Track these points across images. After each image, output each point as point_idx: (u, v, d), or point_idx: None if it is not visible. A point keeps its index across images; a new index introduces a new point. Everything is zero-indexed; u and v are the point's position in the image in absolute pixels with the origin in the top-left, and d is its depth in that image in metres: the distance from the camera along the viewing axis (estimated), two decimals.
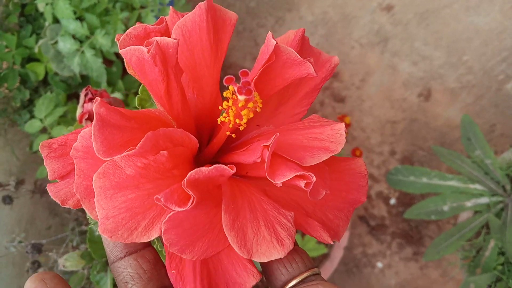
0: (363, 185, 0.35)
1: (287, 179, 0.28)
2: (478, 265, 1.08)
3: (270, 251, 0.28)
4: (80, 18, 1.05)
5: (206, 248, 0.29)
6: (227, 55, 1.75)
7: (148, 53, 0.27)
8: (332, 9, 1.72)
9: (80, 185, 0.28)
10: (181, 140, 0.30)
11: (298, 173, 0.28)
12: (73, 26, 1.01)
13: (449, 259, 1.46)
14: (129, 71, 0.31)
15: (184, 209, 0.25)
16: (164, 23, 0.30)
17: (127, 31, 0.30)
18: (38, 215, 1.26)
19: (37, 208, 1.25)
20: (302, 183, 0.28)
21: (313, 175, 0.27)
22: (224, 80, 0.30)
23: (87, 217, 0.46)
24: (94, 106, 0.26)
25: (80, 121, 0.54)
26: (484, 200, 1.11)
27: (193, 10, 0.32)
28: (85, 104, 0.53)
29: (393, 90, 1.64)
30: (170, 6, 0.36)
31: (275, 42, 0.29)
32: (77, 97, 1.23)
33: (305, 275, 0.32)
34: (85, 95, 0.54)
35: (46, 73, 1.15)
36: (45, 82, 1.21)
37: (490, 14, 1.59)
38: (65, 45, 1.02)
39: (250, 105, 0.30)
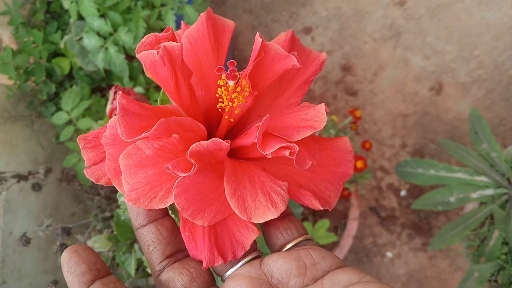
0: (349, 159, 0.40)
1: (274, 150, 0.33)
2: (482, 254, 1.11)
3: (266, 213, 0.33)
4: (103, 16, 1.10)
5: (215, 214, 0.34)
6: (243, 49, 1.79)
7: (157, 54, 0.33)
8: (346, 4, 1.75)
9: (110, 167, 0.34)
10: (191, 126, 0.35)
11: (283, 144, 0.33)
12: (97, 23, 1.07)
13: (457, 249, 1.49)
14: (147, 74, 0.37)
15: (188, 174, 0.31)
16: (170, 31, 0.36)
17: (142, 39, 0.36)
18: (63, 202, 1.33)
19: (62, 195, 1.31)
20: (287, 152, 0.33)
21: (296, 145, 0.33)
22: (215, 70, 0.36)
23: (119, 201, 0.52)
24: (117, 98, 0.32)
25: (110, 116, 0.59)
26: (489, 192, 1.14)
27: (197, 20, 0.38)
28: (114, 101, 0.59)
29: (405, 84, 1.67)
30: (182, 21, 0.42)
31: (261, 40, 0.35)
32: (100, 90, 1.28)
33: (298, 239, 0.37)
34: (114, 93, 0.59)
35: (71, 68, 1.21)
36: (70, 76, 1.27)
37: (502, 9, 1.60)
38: (90, 41, 1.07)
39: (238, 89, 0.35)
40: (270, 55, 0.36)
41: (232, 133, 0.42)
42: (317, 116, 0.35)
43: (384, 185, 1.62)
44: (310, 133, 0.35)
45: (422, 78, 1.65)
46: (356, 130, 1.50)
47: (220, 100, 0.37)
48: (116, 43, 1.08)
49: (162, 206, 0.33)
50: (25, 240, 0.89)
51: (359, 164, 1.08)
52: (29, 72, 1.16)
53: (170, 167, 0.31)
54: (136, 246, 0.78)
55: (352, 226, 1.30)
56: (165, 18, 1.08)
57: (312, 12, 1.77)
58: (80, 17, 1.13)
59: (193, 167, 0.31)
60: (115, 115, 0.60)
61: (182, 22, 0.43)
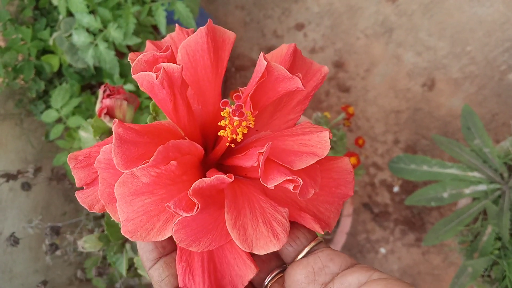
0: (350, 180, 0.39)
1: (277, 183, 0.32)
2: (475, 249, 1.12)
3: (268, 245, 0.32)
4: (93, 12, 1.09)
5: (210, 242, 0.33)
6: (235, 46, 1.78)
7: (156, 79, 0.32)
8: (338, 0, 1.74)
9: (103, 192, 0.33)
10: (188, 149, 0.34)
11: (287, 178, 0.32)
12: (87, 19, 1.05)
13: (450, 245, 1.50)
14: (141, 88, 0.36)
15: (190, 214, 0.30)
16: (170, 50, 0.34)
17: (138, 57, 0.34)
18: (54, 202, 1.31)
19: (52, 194, 1.30)
20: (291, 186, 0.32)
21: (300, 179, 0.32)
22: (221, 104, 0.35)
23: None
24: (113, 127, 0.31)
25: (99, 115, 0.58)
26: (482, 187, 1.15)
27: (196, 32, 0.36)
28: (103, 100, 0.58)
29: (397, 80, 1.67)
30: (176, 25, 0.41)
31: (266, 63, 0.33)
32: (90, 87, 1.27)
33: (310, 246, 0.37)
34: (104, 91, 0.58)
35: (61, 65, 1.19)
36: (59, 74, 1.25)
37: (494, 5, 1.61)
38: (79, 38, 1.06)
39: (244, 123, 0.35)
40: (274, 76, 0.35)
41: (228, 149, 0.41)
42: (321, 144, 0.34)
43: (377, 181, 1.62)
44: (313, 162, 0.33)
45: (414, 74, 1.65)
46: (349, 127, 1.50)
47: (222, 130, 0.36)
48: (106, 40, 1.06)
49: (160, 239, 0.32)
50: (14, 240, 0.88)
51: (352, 160, 1.07)
52: (18, 69, 1.14)
53: (172, 207, 0.30)
54: (127, 246, 0.77)
55: (346, 223, 1.30)
56: (155, 14, 1.07)
57: (304, 8, 1.76)
58: (69, 14, 1.11)
59: (196, 208, 0.30)
60: (105, 114, 0.59)
61: (176, 25, 0.41)
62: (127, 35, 1.05)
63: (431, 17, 1.66)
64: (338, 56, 1.72)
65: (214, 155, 0.39)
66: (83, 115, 1.08)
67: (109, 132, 0.64)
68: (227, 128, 0.35)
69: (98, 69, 1.20)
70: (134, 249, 0.77)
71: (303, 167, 0.33)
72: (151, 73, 0.32)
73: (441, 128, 1.61)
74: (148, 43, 0.40)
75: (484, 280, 1.13)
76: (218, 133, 0.36)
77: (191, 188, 0.30)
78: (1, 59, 1.09)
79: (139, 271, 0.74)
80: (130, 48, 1.17)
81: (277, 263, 0.39)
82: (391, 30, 1.69)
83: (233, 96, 0.35)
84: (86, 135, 0.66)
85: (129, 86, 1.10)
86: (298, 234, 0.38)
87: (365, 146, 1.62)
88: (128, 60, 0.35)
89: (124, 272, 0.76)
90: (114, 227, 0.73)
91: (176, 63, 0.33)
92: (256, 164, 0.33)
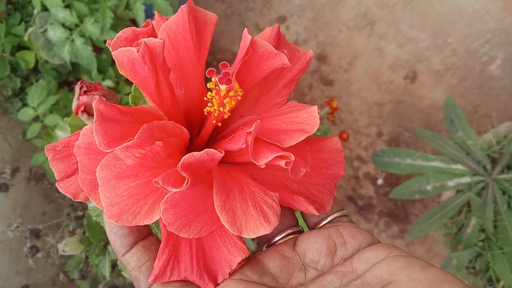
0: (341, 160, 0.38)
1: (268, 160, 0.31)
2: (460, 241, 1.13)
3: (258, 228, 0.31)
4: (68, 6, 1.05)
5: (201, 227, 0.32)
6: (217, 39, 1.76)
7: (137, 52, 0.30)
8: None
9: (84, 180, 0.31)
10: (174, 131, 0.32)
11: (278, 154, 0.31)
12: (62, 14, 1.02)
13: (434, 236, 1.51)
14: (121, 72, 0.34)
15: (180, 189, 0.28)
16: (151, 25, 0.33)
17: (117, 34, 0.32)
18: (34, 202, 1.28)
19: (32, 194, 1.27)
20: (282, 163, 0.31)
21: (291, 154, 0.30)
22: (206, 72, 0.33)
23: (89, 207, 0.49)
24: (93, 103, 0.29)
25: (76, 113, 0.56)
26: (466, 179, 1.15)
27: (176, 12, 0.35)
28: (80, 97, 0.55)
29: (380, 72, 1.67)
30: (156, 12, 0.39)
31: (250, 37, 0.32)
32: (68, 84, 1.24)
33: (334, 215, 0.38)
34: (80, 88, 0.56)
35: (37, 61, 1.15)
36: (35, 70, 1.22)
37: None
38: (55, 33, 1.03)
39: (231, 93, 0.33)
40: (259, 53, 0.33)
41: (213, 135, 0.39)
42: (310, 119, 0.33)
43: (361, 174, 1.62)
44: (303, 138, 0.32)
45: (396, 66, 1.66)
46: (333, 121, 1.50)
47: (209, 104, 0.34)
48: (82, 35, 1.03)
49: (148, 222, 0.30)
50: None
51: None
52: None
53: (160, 182, 0.28)
54: (109, 248, 0.75)
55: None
56: (133, 8, 1.04)
57: (286, 0, 1.74)
58: (44, 8, 1.08)
59: (186, 182, 0.28)
60: (82, 112, 0.57)
61: (156, 12, 0.39)
62: (104, 30, 1.02)
63: (412, 8, 1.66)
64: (320, 49, 1.71)
65: (201, 139, 0.38)
66: (61, 113, 1.04)
67: None
68: (213, 100, 0.33)
69: (75, 65, 1.17)
70: None
71: (293, 143, 0.32)
72: (131, 48, 0.30)
73: (423, 120, 1.62)
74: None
75: (469, 272, 1.14)
76: (204, 110, 0.34)
77: (180, 163, 0.28)
78: None
79: (123, 273, 0.73)
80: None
81: (290, 223, 0.38)
82: (373, 23, 1.68)
83: (220, 64, 0.33)
84: (63, 134, 0.63)
85: (107, 82, 1.08)
86: None
87: (349, 139, 1.62)
88: (106, 45, 0.33)
89: (107, 275, 0.74)
90: (95, 228, 0.71)
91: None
92: (244, 146, 0.32)
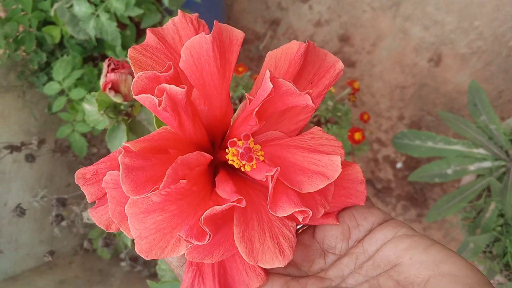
0: (362, 190, 0.37)
1: (287, 215, 0.32)
2: (478, 226, 1.12)
3: (273, 260, 0.32)
4: None
5: (222, 253, 0.33)
6: (239, 18, 1.75)
7: (159, 105, 0.30)
8: None
9: (114, 211, 0.32)
10: (197, 162, 0.33)
11: (297, 209, 0.31)
12: None
13: (451, 221, 1.50)
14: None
15: (202, 243, 0.30)
16: (172, 69, 0.32)
17: (138, 74, 0.32)
18: (58, 173, 1.32)
19: (57, 166, 1.30)
20: (300, 217, 0.32)
21: (309, 210, 0.31)
22: (228, 144, 0.34)
23: None
24: (119, 158, 0.29)
25: (104, 90, 0.57)
26: (487, 164, 1.14)
27: (200, 36, 0.33)
28: (108, 74, 0.57)
29: (404, 55, 1.65)
30: (179, 10, 0.37)
31: (271, 86, 0.31)
32: (92, 59, 1.25)
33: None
34: (108, 65, 0.57)
35: (62, 36, 1.17)
36: (61, 45, 1.24)
37: None
38: (81, 8, 1.04)
39: (253, 164, 0.34)
40: (281, 91, 0.32)
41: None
42: (331, 167, 0.33)
43: (380, 157, 1.62)
44: (323, 186, 0.32)
45: (421, 49, 1.63)
46: (354, 102, 1.49)
47: (230, 159, 0.35)
48: (107, 11, 1.04)
49: (174, 255, 0.31)
50: (20, 211, 0.89)
51: (357, 136, 1.07)
52: (19, 41, 1.13)
53: (183, 236, 0.30)
54: None
55: None
56: None
57: None
58: None
59: (208, 237, 0.30)
60: (110, 89, 0.58)
61: (179, 11, 0.37)
62: (128, 6, 1.03)
63: None
64: (343, 29, 1.69)
65: (222, 156, 0.38)
66: (86, 87, 1.06)
67: (113, 107, 0.63)
68: (233, 163, 0.34)
69: (100, 40, 1.18)
70: None
71: (312, 191, 0.32)
72: (153, 97, 0.30)
73: (446, 104, 1.60)
74: (148, 33, 0.36)
75: (486, 256, 1.13)
76: (226, 157, 0.35)
77: (202, 217, 0.30)
78: (1, 30, 1.07)
79: None
80: (132, 19, 1.14)
81: None
82: (398, 3, 1.65)
83: (242, 136, 0.34)
84: (90, 108, 0.65)
85: None
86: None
87: (370, 122, 1.61)
88: (128, 58, 0.34)
89: (129, 244, 0.77)
90: None
91: (179, 84, 0.31)
92: (264, 180, 0.33)
